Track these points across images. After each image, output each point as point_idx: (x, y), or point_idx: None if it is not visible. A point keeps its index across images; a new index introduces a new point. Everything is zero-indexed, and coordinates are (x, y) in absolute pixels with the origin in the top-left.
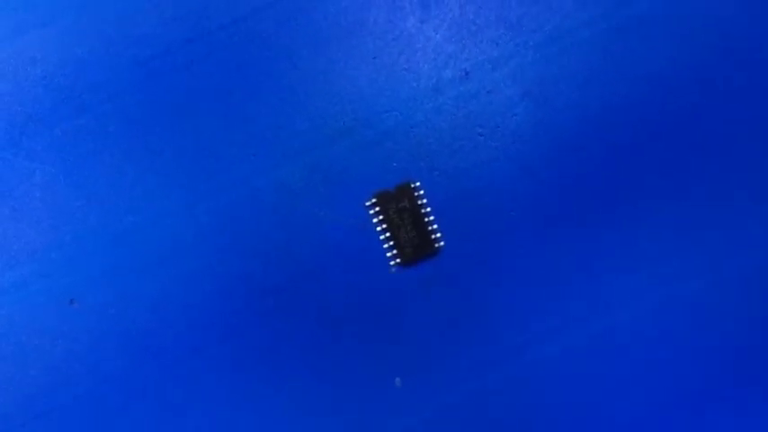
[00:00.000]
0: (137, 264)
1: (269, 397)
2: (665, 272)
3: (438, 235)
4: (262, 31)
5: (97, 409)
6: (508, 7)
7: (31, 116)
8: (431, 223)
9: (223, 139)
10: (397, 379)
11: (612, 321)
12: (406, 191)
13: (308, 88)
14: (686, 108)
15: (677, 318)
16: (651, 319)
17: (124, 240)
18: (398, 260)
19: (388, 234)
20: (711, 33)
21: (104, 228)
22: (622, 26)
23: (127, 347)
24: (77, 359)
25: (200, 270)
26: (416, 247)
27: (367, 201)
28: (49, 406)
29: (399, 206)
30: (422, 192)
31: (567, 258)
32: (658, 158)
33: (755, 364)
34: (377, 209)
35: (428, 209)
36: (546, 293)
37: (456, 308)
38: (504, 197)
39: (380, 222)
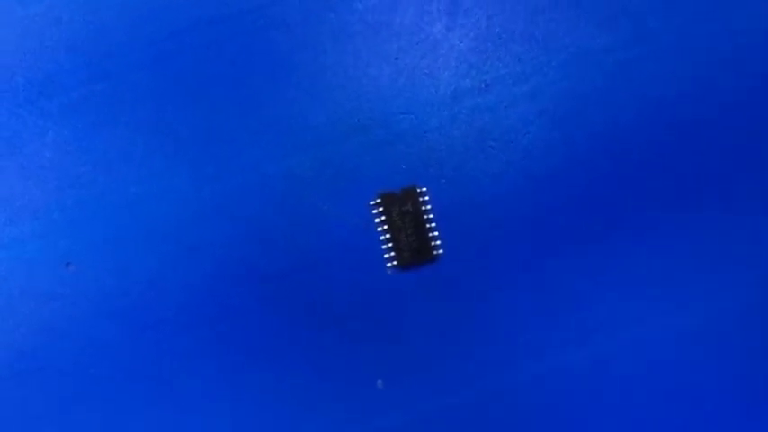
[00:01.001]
0: (136, 236)
1: (253, 382)
2: (667, 297)
3: (438, 242)
4: (287, 20)
5: (81, 374)
6: (535, 25)
7: (50, 77)
8: (432, 230)
9: (238, 122)
10: (379, 380)
11: (606, 347)
12: (411, 194)
13: (327, 81)
14: (699, 139)
15: (678, 345)
16: (651, 344)
17: (127, 211)
18: (396, 262)
19: (388, 235)
20: (728, 64)
21: (108, 196)
22: (645, 54)
23: (117, 317)
24: (67, 322)
25: (199, 249)
26: (415, 252)
27: (372, 200)
28: (33, 365)
29: (403, 209)
30: (427, 197)
31: (565, 281)
32: (666, 187)
33: (758, 396)
34: (380, 209)
35: (431, 215)
36: (540, 312)
37: (447, 316)
38: (508, 212)
39: (382, 223)
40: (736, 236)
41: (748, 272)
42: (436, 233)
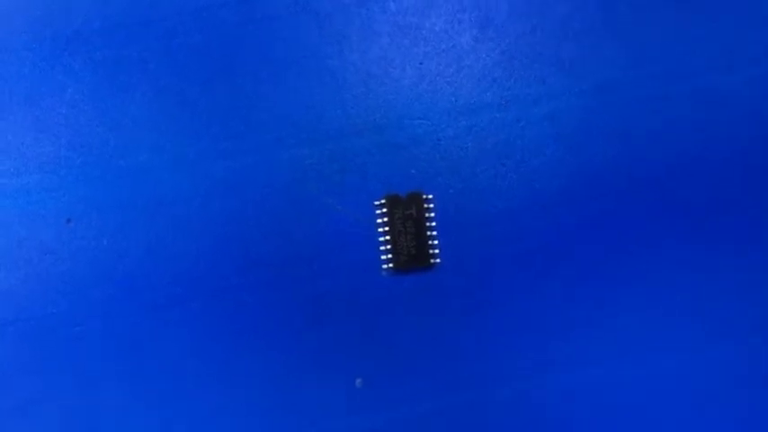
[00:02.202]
0: (139, 202)
1: (233, 361)
2: (663, 328)
3: (436, 251)
4: (319, 9)
5: (69, 329)
6: (563, 49)
7: (78, 34)
8: (432, 238)
9: (256, 104)
10: (359, 380)
11: (594, 373)
12: (416, 200)
13: (348, 76)
14: (712, 178)
15: (668, 377)
16: (639, 373)
17: (133, 177)
18: (391, 265)
19: (388, 237)
20: (747, 105)
21: (117, 159)
22: (672, 93)
23: (110, 278)
24: (61, 277)
25: (198, 225)
26: (412, 257)
27: (377, 200)
28: (21, 315)
29: (406, 213)
30: (432, 205)
31: (557, 308)
32: (673, 222)
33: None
34: (384, 210)
35: (433, 223)
36: (528, 334)
37: (435, 325)
38: (511, 232)
39: (384, 224)
40: (743, 268)
41: (753, 302)
42: (436, 242)
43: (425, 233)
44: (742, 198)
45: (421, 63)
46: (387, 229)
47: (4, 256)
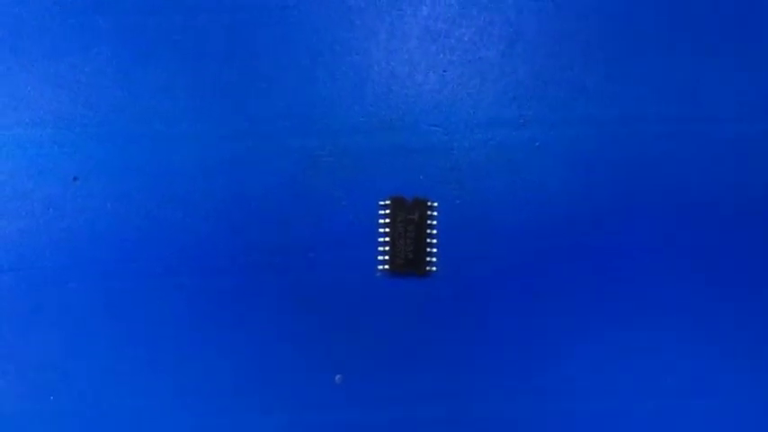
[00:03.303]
0: (148, 169)
1: (215, 343)
2: (650, 368)
3: (433, 259)
4: (351, 5)
5: (62, 284)
6: (589, 75)
7: None
8: (431, 245)
9: (274, 89)
10: (338, 376)
11: (583, 407)
12: (421, 206)
13: (371, 74)
14: (724, 226)
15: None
16: (634, 401)
17: (145, 144)
18: (387, 266)
19: (387, 239)
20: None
21: (132, 124)
22: (691, 136)
23: (109, 241)
24: (61, 233)
25: (202, 200)
26: (408, 262)
27: (382, 200)
28: (18, 265)
29: (408, 217)
30: (435, 213)
31: (547, 336)
32: (677, 263)
33: None
34: (387, 211)
35: (434, 231)
36: (514, 355)
37: (422, 331)
38: (512, 252)
39: (385, 225)
40: (742, 311)
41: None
42: (434, 249)
43: (425, 240)
44: (746, 245)
45: (445, 71)
46: (387, 230)
47: (8, 204)
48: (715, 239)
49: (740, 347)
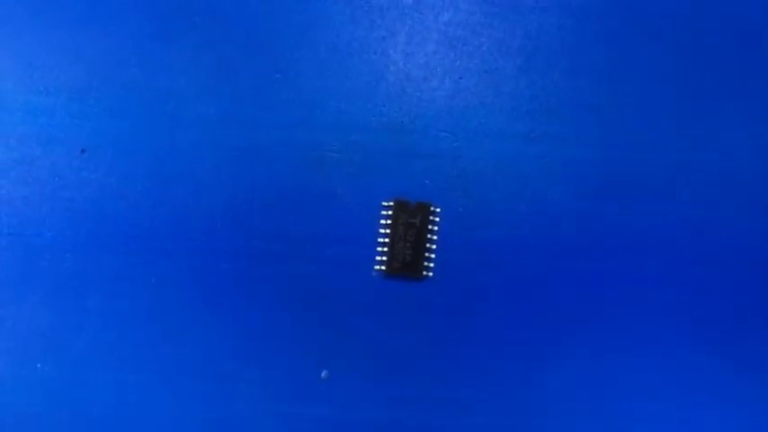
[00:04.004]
0: (156, 149)
1: (203, 326)
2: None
3: (431, 265)
4: (373, 3)
5: (59, 254)
6: (605, 98)
7: None
8: (430, 251)
9: (290, 80)
10: (324, 372)
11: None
12: (423, 210)
13: (387, 74)
14: (727, 263)
15: None
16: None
17: (157, 123)
18: (384, 267)
19: (387, 240)
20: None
21: (146, 103)
22: (704, 165)
23: (109, 216)
24: (63, 203)
25: (207, 184)
26: (405, 265)
27: (385, 201)
28: (17, 230)
29: (410, 221)
30: (437, 219)
31: (539, 358)
32: (681, 300)
33: None
34: (390, 212)
35: (435, 237)
36: (503, 368)
37: (412, 336)
38: (509, 264)
39: (386, 226)
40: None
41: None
42: (432, 255)
43: (424, 244)
44: (747, 274)
45: (460, 78)
46: (388, 231)
47: (15, 169)
48: (717, 267)
49: (736, 367)
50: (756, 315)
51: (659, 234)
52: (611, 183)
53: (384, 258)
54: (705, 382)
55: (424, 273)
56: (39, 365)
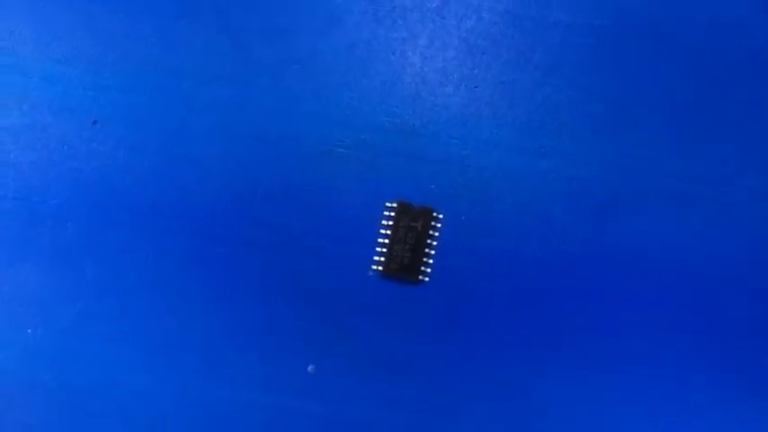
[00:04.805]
0: (167, 127)
1: (195, 310)
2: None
3: (428, 270)
4: (397, 5)
5: (60, 223)
6: (622, 120)
7: None
8: (428, 256)
9: (310, 73)
10: (311, 366)
11: None
12: (426, 215)
13: (404, 76)
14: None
15: None
16: None
17: (170, 102)
18: (380, 267)
19: (386, 241)
20: None
21: (163, 80)
22: (713, 195)
23: (113, 189)
24: (69, 173)
25: (213, 168)
26: (402, 268)
27: (389, 202)
28: (20, 194)
29: (411, 224)
30: (439, 225)
31: (528, 378)
32: (668, 320)
33: None
34: (392, 214)
35: (434, 242)
36: (491, 383)
37: (402, 338)
38: (507, 278)
39: (387, 227)
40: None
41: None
42: (430, 261)
43: (423, 249)
44: (748, 303)
45: (476, 87)
46: (388, 232)
47: (25, 134)
48: (718, 289)
49: (738, 388)
50: (758, 339)
51: (662, 257)
52: (616, 204)
53: (382, 259)
54: (704, 403)
55: (421, 277)
56: (29, 330)
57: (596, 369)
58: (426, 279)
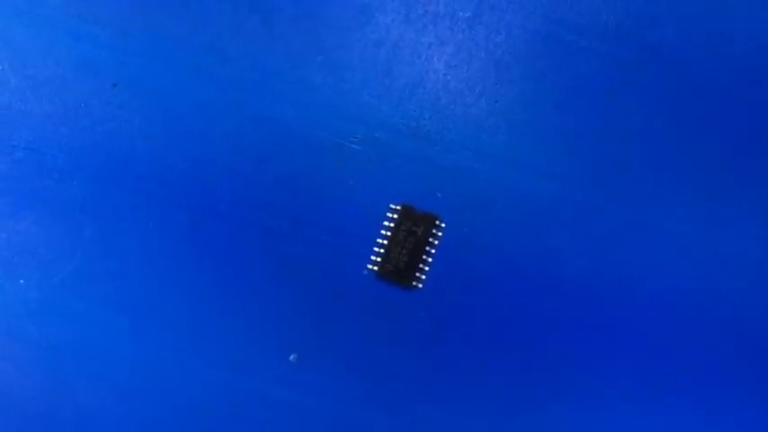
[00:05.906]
0: (184, 101)
1: (184, 288)
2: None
3: (423, 277)
4: (430, 11)
5: (67, 182)
6: (636, 155)
7: None
8: (425, 263)
9: (336, 66)
10: (293, 355)
11: None
12: (428, 221)
13: (426, 81)
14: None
15: None
16: None
17: (194, 75)
18: (376, 267)
19: (385, 241)
20: None
21: (189, 54)
22: (719, 247)
23: (124, 155)
24: (81, 132)
25: (228, 142)
26: (397, 271)
27: (393, 204)
28: (32, 145)
29: (412, 228)
30: (440, 234)
31: (519, 394)
32: (679, 359)
33: None
34: (394, 215)
35: (433, 250)
36: (477, 400)
37: (391, 341)
38: (502, 297)
39: (387, 228)
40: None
41: None
42: (427, 268)
43: (421, 256)
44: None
45: (496, 102)
46: (388, 233)
47: (45, 86)
48: (718, 329)
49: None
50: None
51: (663, 295)
52: (622, 236)
53: (378, 259)
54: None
55: (414, 283)
56: (22, 281)
57: (583, 399)
58: (420, 286)
